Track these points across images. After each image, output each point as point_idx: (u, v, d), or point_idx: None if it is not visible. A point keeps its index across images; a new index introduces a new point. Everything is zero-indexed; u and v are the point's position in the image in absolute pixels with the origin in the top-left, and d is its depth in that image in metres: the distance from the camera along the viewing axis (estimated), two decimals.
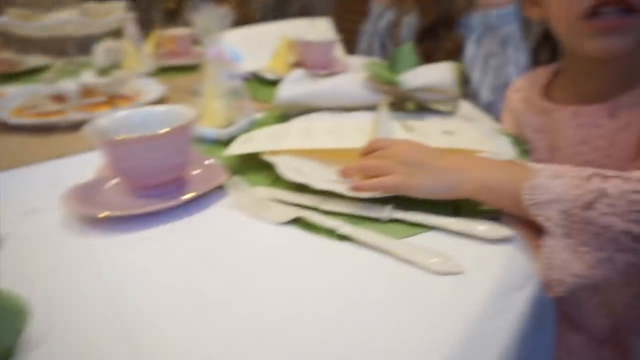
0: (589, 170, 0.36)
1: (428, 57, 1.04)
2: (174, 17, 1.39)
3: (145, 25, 1.05)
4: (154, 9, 1.44)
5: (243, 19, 1.26)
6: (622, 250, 0.34)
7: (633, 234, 0.33)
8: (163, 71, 1.00)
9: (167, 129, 0.41)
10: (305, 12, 1.33)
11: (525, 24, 1.07)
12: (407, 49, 0.66)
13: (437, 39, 1.02)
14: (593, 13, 0.47)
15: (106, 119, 0.45)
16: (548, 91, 0.61)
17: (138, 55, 0.94)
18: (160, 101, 0.78)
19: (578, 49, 0.52)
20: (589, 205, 0.34)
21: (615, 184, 0.35)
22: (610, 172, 0.36)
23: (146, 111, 0.48)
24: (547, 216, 0.35)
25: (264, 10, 1.28)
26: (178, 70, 1.01)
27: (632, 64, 0.52)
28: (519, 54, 1.02)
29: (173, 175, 0.44)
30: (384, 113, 0.45)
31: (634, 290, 0.51)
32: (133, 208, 0.40)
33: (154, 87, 0.82)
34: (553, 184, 0.36)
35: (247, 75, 0.65)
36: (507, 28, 1.00)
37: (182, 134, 0.43)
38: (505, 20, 1.00)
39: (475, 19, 1.01)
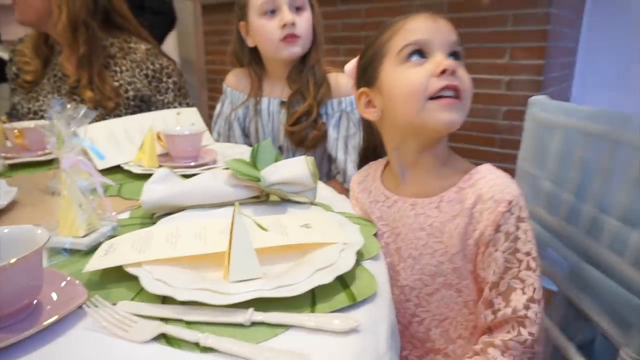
0: None
1: (299, 143, 1.14)
2: (33, 92, 1.30)
3: None
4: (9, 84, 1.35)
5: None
6: None
7: None
8: (13, 169, 0.93)
9: (15, 259, 0.39)
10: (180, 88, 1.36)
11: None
12: (267, 145, 0.72)
13: (305, 127, 1.11)
14: (437, 95, 0.60)
15: None
16: (384, 182, 0.71)
17: None
18: (12, 206, 0.73)
19: (427, 124, 0.61)
20: None
21: None
22: None
23: None
24: None
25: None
26: (31, 166, 0.95)
27: (445, 163, 0.65)
28: None
29: (24, 303, 0.42)
30: (239, 215, 0.49)
31: None
32: None
33: (2, 190, 0.76)
34: None
35: (107, 182, 0.64)
36: (359, 112, 1.15)
37: (34, 259, 0.42)
38: (356, 105, 1.15)
39: (332, 106, 1.14)
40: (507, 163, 1.54)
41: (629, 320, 0.59)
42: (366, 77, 0.69)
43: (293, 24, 1.07)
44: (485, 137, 1.50)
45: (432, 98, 0.60)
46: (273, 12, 1.08)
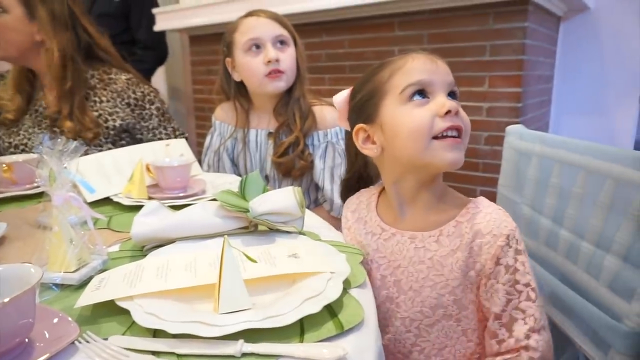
0: None
1: (286, 173, 1.16)
2: (14, 127, 1.31)
3: None
4: None
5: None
6: None
7: None
8: (1, 203, 0.93)
9: (8, 298, 0.40)
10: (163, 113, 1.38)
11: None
12: (255, 177, 0.74)
13: (292, 158, 1.13)
14: (441, 135, 0.62)
15: None
16: (379, 213, 0.72)
17: None
18: (1, 241, 0.73)
19: (432, 162, 0.62)
20: None
21: None
22: None
23: None
24: None
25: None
26: (19, 200, 0.95)
27: (442, 198, 0.67)
28: None
29: (15, 342, 0.42)
30: (228, 248, 0.50)
31: None
32: None
33: None
34: None
35: (97, 216, 0.65)
36: (343, 142, 1.18)
37: (27, 298, 0.42)
38: (341, 136, 1.18)
39: (318, 137, 1.16)
40: (490, 187, 1.58)
41: (607, 341, 0.61)
42: (364, 113, 0.69)
43: (277, 60, 1.11)
44: (468, 162, 1.53)
45: (436, 137, 0.62)
46: (258, 48, 1.12)
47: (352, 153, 0.79)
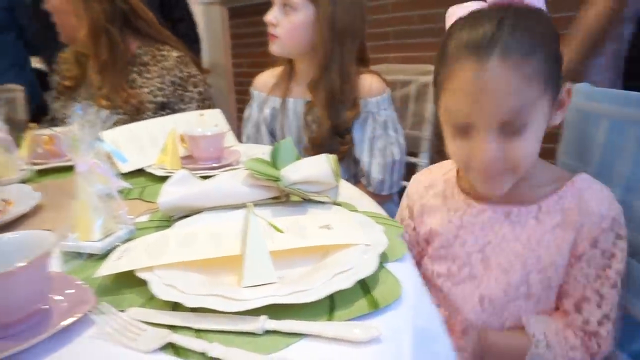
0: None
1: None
2: (70, 99, 1.34)
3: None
4: (49, 92, 1.41)
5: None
6: None
7: None
8: (41, 175, 0.94)
9: (21, 264, 0.38)
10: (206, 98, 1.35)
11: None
12: (287, 144, 0.69)
13: (330, 145, 1.07)
14: None
15: None
16: (463, 189, 0.68)
17: (10, 160, 0.88)
18: (36, 210, 0.73)
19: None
20: None
21: None
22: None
23: None
24: None
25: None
26: (59, 172, 0.95)
27: (538, 169, 0.63)
28: (398, 135, 1.12)
29: (31, 309, 0.40)
30: (253, 217, 0.46)
31: None
32: None
33: (27, 196, 0.76)
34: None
35: (125, 186, 0.63)
36: (384, 113, 1.10)
37: (40, 265, 0.40)
38: (382, 106, 1.10)
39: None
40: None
41: None
42: (435, 86, 0.64)
43: (272, 24, 1.06)
44: None
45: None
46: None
47: None
